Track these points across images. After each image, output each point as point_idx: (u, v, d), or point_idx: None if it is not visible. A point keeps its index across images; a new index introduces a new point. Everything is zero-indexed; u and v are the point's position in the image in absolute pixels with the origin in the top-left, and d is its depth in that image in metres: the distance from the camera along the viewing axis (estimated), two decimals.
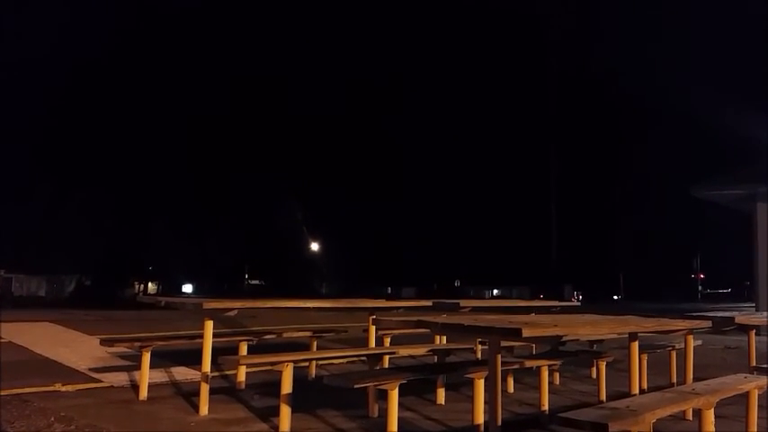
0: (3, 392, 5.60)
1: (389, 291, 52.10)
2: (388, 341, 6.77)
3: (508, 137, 52.25)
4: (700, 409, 3.56)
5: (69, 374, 6.76)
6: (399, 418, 4.31)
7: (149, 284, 48.18)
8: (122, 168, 40.71)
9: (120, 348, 6.68)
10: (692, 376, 5.25)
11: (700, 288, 61.88)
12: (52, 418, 4.80)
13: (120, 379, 6.45)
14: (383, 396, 4.31)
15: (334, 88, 49.26)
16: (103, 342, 6.28)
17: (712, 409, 3.56)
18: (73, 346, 9.03)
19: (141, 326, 11.54)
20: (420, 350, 6.30)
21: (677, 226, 53.89)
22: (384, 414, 4.33)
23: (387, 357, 5.81)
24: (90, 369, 7.01)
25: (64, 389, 5.96)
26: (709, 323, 4.92)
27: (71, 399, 5.63)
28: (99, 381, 6.44)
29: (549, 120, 51.52)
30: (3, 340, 9.60)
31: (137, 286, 46.50)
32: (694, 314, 5.29)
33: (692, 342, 5.32)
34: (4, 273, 38.19)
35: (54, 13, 35.92)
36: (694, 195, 17.14)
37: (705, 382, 4.04)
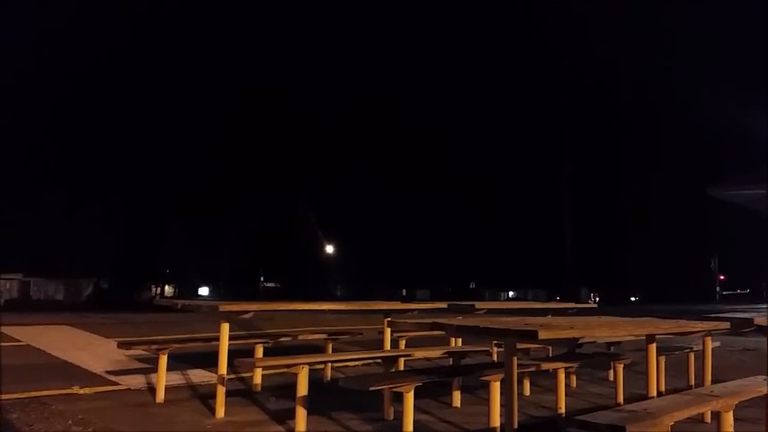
0: (22, 395, 5.65)
1: (404, 293, 52.09)
2: (403, 343, 6.76)
3: (522, 138, 52.16)
4: (718, 412, 3.53)
5: (87, 377, 6.80)
6: (415, 421, 4.30)
7: (166, 287, 48.47)
8: (139, 172, 41.06)
9: (138, 351, 6.72)
10: (710, 378, 5.20)
11: (718, 289, 61.32)
12: (70, 421, 4.84)
13: (137, 382, 6.48)
14: (399, 399, 4.30)
15: (348, 91, 49.32)
16: (121, 345, 6.32)
17: (731, 412, 3.53)
18: (90, 349, 9.09)
19: (158, 329, 11.60)
20: (435, 352, 6.29)
21: (695, 226, 53.54)
22: (400, 417, 4.32)
23: (402, 360, 5.80)
24: (107, 372, 7.05)
25: (82, 392, 6.00)
26: (727, 324, 4.87)
27: (89, 401, 5.67)
28: (116, 384, 6.47)
29: (563, 120, 51.29)
30: (21, 343, 9.69)
31: (153, 289, 46.79)
32: (712, 315, 5.24)
33: (710, 344, 5.27)
34: (22, 277, 38.55)
35: (66, 17, 36.21)
36: (711, 195, 17.01)
37: (723, 384, 4.01)
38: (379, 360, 6.06)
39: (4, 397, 5.52)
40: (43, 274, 39.72)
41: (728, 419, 3.52)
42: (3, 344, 9.48)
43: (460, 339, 6.53)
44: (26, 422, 4.79)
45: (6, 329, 11.41)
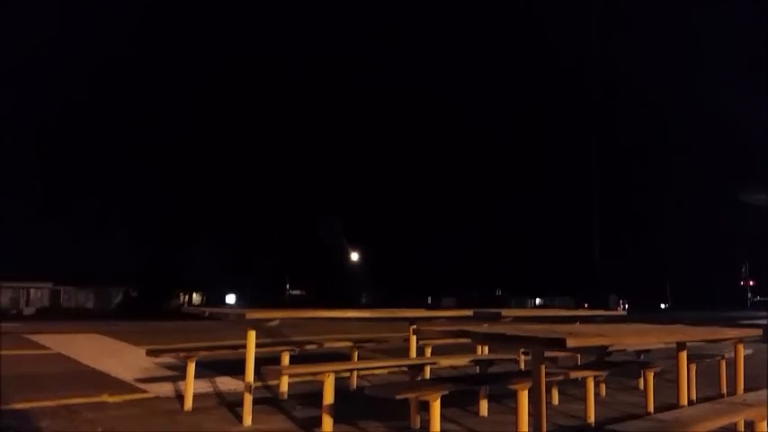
0: (52, 403, 5.73)
1: (429, 300, 51.95)
2: (429, 351, 6.73)
3: (549, 144, 51.88)
4: (752, 421, 3.45)
5: (116, 385, 6.87)
6: (441, 430, 4.27)
7: (194, 295, 48.89)
8: (166, 182, 41.55)
9: (166, 359, 6.78)
10: (742, 386, 5.10)
11: (749, 295, 60.26)
12: (99, 429, 4.88)
13: (165, 389, 6.53)
14: (425, 407, 4.28)
15: (370, 99, 49.45)
16: (149, 353, 6.37)
17: (765, 421, 3.45)
18: (119, 357, 9.19)
19: (186, 336, 11.69)
20: (462, 360, 6.25)
21: (725, 232, 52.72)
22: (426, 425, 4.30)
23: (428, 368, 5.77)
24: (136, 380, 7.12)
25: (111, 399, 6.06)
26: (759, 331, 4.78)
27: (118, 409, 5.72)
28: (145, 391, 6.53)
29: (590, 126, 50.91)
30: (52, 351, 9.83)
31: (182, 297, 47.24)
32: (744, 322, 5.15)
33: (742, 351, 5.17)
34: (53, 285, 39.14)
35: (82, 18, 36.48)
36: (743, 200, 16.75)
37: (757, 392, 3.93)
38: (405, 368, 6.04)
39: (34, 405, 5.60)
40: (73, 282, 40.32)
41: (762, 428, 3.45)
42: (33, 352, 9.64)
43: (487, 347, 6.49)
44: (56, 430, 4.85)
45: (36, 337, 11.61)
